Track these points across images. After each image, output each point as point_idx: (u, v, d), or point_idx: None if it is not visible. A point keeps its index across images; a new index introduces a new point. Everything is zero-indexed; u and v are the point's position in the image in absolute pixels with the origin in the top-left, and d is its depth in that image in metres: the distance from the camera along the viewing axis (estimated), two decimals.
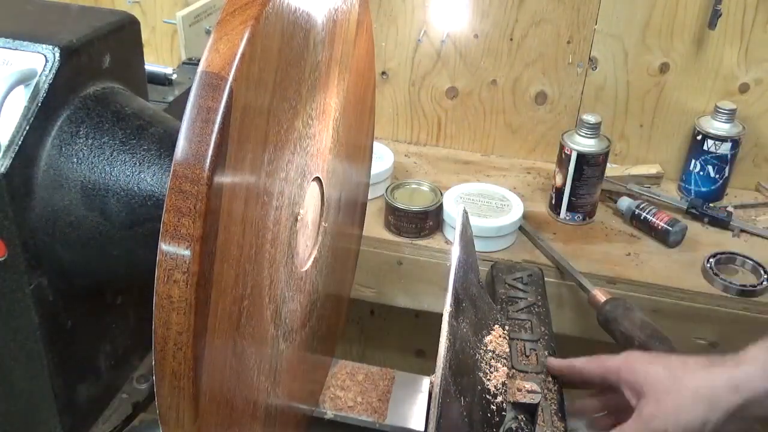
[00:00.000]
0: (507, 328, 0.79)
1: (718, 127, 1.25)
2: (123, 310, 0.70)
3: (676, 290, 1.08)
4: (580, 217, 1.22)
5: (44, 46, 0.56)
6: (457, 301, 0.66)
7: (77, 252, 0.58)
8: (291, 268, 0.61)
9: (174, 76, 0.88)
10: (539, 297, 0.94)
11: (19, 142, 0.53)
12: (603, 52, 1.30)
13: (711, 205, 1.26)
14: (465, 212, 0.79)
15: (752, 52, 1.25)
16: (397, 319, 1.49)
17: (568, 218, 1.23)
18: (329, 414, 0.84)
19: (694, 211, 1.24)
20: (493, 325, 0.77)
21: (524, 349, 0.83)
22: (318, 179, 0.65)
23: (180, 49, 1.16)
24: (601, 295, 0.99)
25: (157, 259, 0.43)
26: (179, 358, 0.44)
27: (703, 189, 1.29)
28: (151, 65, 0.78)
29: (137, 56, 0.68)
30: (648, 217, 1.20)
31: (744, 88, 1.28)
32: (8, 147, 0.53)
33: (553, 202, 1.24)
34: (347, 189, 0.77)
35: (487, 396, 0.65)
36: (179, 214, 0.43)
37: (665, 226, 1.17)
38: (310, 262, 0.67)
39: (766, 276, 1.09)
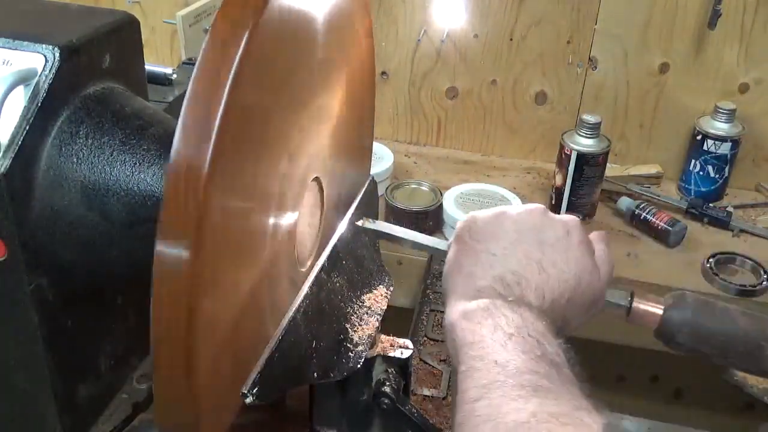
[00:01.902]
0: (391, 288, 0.80)
1: (718, 127, 1.25)
2: (123, 310, 0.70)
3: (675, 290, 1.08)
4: (580, 217, 1.22)
5: (44, 46, 0.56)
6: (334, 257, 0.68)
7: (77, 252, 0.58)
8: (290, 268, 0.61)
9: (174, 76, 0.88)
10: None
11: (19, 142, 0.53)
12: (603, 52, 1.30)
13: (711, 205, 1.26)
14: (372, 180, 0.80)
15: (752, 52, 1.25)
16: (397, 319, 1.49)
17: None
18: None
19: (694, 211, 1.24)
20: (378, 285, 0.78)
21: (441, 320, 0.85)
22: (318, 179, 0.65)
23: (180, 49, 1.16)
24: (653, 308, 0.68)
25: (154, 258, 0.43)
26: (177, 359, 0.44)
27: (703, 189, 1.29)
28: (151, 65, 0.78)
29: (137, 56, 0.68)
30: (648, 217, 1.20)
31: (744, 88, 1.28)
32: (8, 147, 0.53)
33: (553, 202, 1.24)
34: (347, 189, 0.77)
35: (348, 344, 0.67)
36: (176, 213, 0.43)
37: (665, 226, 1.17)
38: (309, 262, 0.67)
39: (765, 276, 1.09)
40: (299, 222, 0.61)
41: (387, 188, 1.16)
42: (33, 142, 0.55)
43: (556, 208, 1.23)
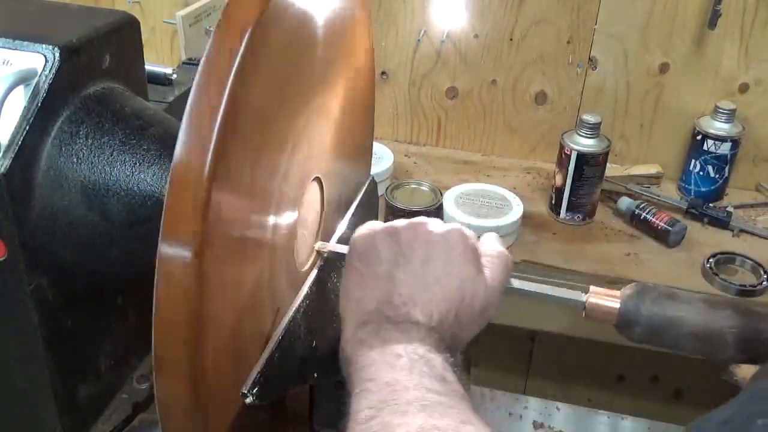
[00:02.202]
0: None
1: (718, 127, 1.25)
2: (123, 310, 0.70)
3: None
4: (580, 217, 1.22)
5: (44, 46, 0.56)
6: (334, 257, 0.67)
7: (77, 252, 0.58)
8: (291, 268, 0.61)
9: (174, 76, 0.88)
10: None
11: (19, 142, 0.53)
12: (603, 52, 1.30)
13: (711, 205, 1.26)
14: (372, 180, 0.79)
15: (752, 52, 1.25)
16: None
17: (568, 218, 1.23)
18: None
19: (693, 211, 1.24)
20: None
21: None
22: (318, 179, 0.65)
23: (180, 49, 1.16)
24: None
25: (157, 259, 0.43)
26: (178, 360, 0.44)
27: (703, 189, 1.29)
28: (151, 65, 0.78)
29: (137, 56, 0.68)
30: (648, 217, 1.20)
31: (744, 88, 1.28)
32: (8, 147, 0.53)
33: (553, 202, 1.24)
34: (347, 189, 0.77)
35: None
36: (179, 214, 0.43)
37: (665, 226, 1.17)
38: (309, 262, 0.67)
39: (765, 276, 1.09)
40: (299, 222, 0.61)
41: (387, 188, 1.16)
42: (33, 142, 0.55)
43: (556, 208, 1.23)
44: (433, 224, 0.57)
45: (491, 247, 0.60)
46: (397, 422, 0.43)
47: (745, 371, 0.83)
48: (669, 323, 0.58)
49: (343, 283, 0.57)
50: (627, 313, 0.58)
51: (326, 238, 0.70)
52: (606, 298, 0.59)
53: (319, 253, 0.61)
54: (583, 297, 0.59)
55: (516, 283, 0.62)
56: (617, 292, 0.59)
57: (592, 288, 0.60)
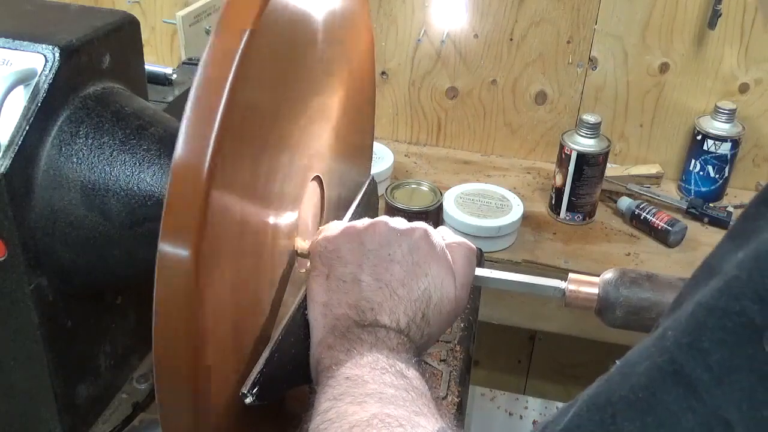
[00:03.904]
0: None
1: (718, 127, 1.25)
2: (123, 310, 0.70)
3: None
4: (580, 217, 1.22)
5: (44, 46, 0.56)
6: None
7: (77, 252, 0.58)
8: (291, 269, 0.61)
9: (174, 76, 0.88)
10: None
11: (19, 142, 0.53)
12: (603, 52, 1.30)
13: (711, 205, 1.26)
14: (372, 180, 0.77)
15: (752, 52, 1.25)
16: None
17: (568, 218, 1.23)
18: None
19: (694, 211, 1.24)
20: None
21: None
22: (318, 179, 0.65)
23: (180, 49, 1.16)
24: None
25: (156, 259, 0.43)
26: (179, 360, 0.44)
27: (703, 189, 1.29)
28: (151, 65, 0.78)
29: (137, 56, 0.68)
30: (648, 217, 1.20)
31: (744, 88, 1.28)
32: (8, 147, 0.53)
33: (553, 202, 1.24)
34: (347, 189, 0.77)
35: None
36: (178, 214, 0.43)
37: (665, 226, 1.17)
38: (309, 262, 0.67)
39: None
40: (299, 221, 0.61)
41: (387, 188, 1.16)
42: (33, 142, 0.55)
43: (556, 208, 1.23)
44: (395, 222, 0.57)
45: (452, 240, 0.58)
46: (352, 410, 0.44)
47: None
48: (649, 305, 0.56)
49: (308, 285, 0.56)
50: (606, 297, 0.57)
51: None
52: (585, 285, 0.58)
53: (299, 253, 0.61)
54: (563, 285, 0.59)
55: (489, 273, 0.61)
56: (596, 278, 0.59)
57: (570, 275, 0.59)
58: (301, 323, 0.56)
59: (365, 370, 0.48)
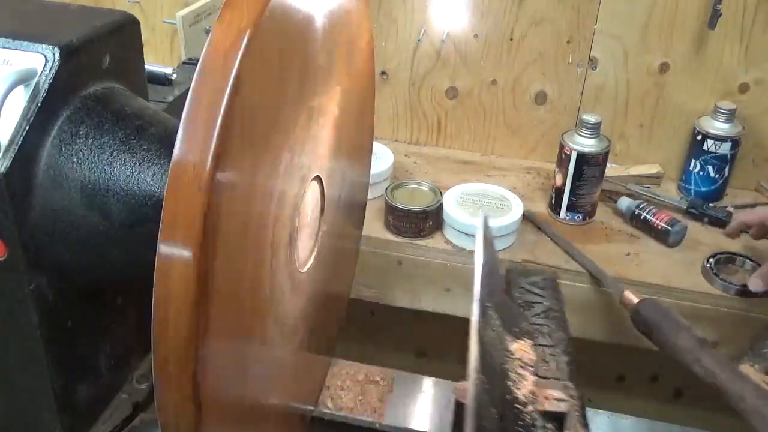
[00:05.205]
0: (533, 335, 0.78)
1: (718, 127, 1.25)
2: (123, 310, 0.70)
3: (676, 290, 1.08)
4: (580, 217, 1.22)
5: (44, 46, 0.56)
6: (483, 310, 0.64)
7: (77, 252, 0.58)
8: (291, 269, 0.61)
9: (174, 76, 0.88)
10: (555, 301, 0.92)
11: (19, 142, 0.53)
12: (603, 52, 1.30)
13: (711, 204, 1.26)
14: (485, 217, 0.77)
15: (752, 52, 1.25)
16: (397, 319, 1.49)
17: (568, 218, 1.23)
18: (329, 414, 0.84)
19: (694, 211, 1.24)
20: (519, 332, 0.76)
21: (543, 354, 0.81)
22: (318, 179, 0.65)
23: (180, 49, 1.16)
24: (633, 297, 0.96)
25: (156, 259, 0.43)
26: (178, 360, 0.44)
27: (703, 189, 1.29)
28: (151, 65, 0.78)
29: (137, 56, 0.68)
30: (648, 217, 1.20)
31: (744, 88, 1.28)
32: (8, 147, 0.53)
33: (553, 202, 1.24)
34: (347, 189, 0.77)
35: (518, 405, 0.65)
36: (178, 214, 0.43)
37: (665, 226, 1.17)
38: (310, 263, 0.67)
39: None
40: (300, 222, 0.61)
41: (387, 188, 1.16)
42: (33, 142, 0.55)
43: (556, 208, 1.23)
44: None
45: None
46: None
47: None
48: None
49: None
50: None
51: (327, 238, 0.70)
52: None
53: None
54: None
55: None
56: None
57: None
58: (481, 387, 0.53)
59: None
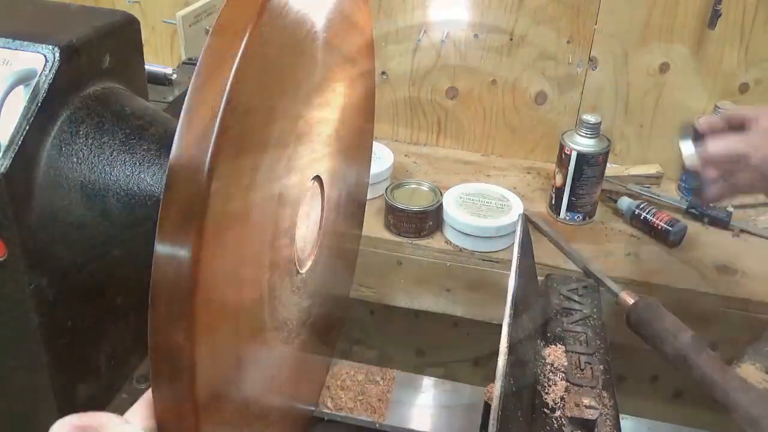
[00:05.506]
0: (566, 341, 0.78)
1: None
2: (123, 310, 0.70)
3: (676, 290, 1.08)
4: (580, 217, 1.22)
5: (44, 46, 0.56)
6: (516, 312, 0.64)
7: (77, 252, 0.58)
8: (291, 269, 0.61)
9: (174, 76, 0.88)
10: (594, 309, 0.92)
11: (19, 142, 0.53)
12: (603, 52, 1.30)
13: (711, 205, 1.26)
14: (524, 217, 0.77)
15: (752, 52, 1.25)
16: (397, 319, 1.49)
17: (568, 218, 1.23)
18: (329, 414, 0.84)
19: (694, 211, 1.24)
20: (552, 337, 0.76)
21: (579, 362, 0.80)
22: (318, 178, 0.65)
23: (180, 49, 1.16)
24: (628, 298, 0.94)
25: (153, 260, 0.43)
26: (176, 361, 0.44)
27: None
28: (151, 65, 0.78)
29: (137, 56, 0.68)
30: (648, 217, 1.20)
31: (744, 88, 1.28)
32: (8, 147, 0.53)
33: (553, 202, 1.24)
34: (347, 189, 0.77)
35: (546, 410, 0.65)
36: (176, 214, 0.43)
37: (665, 226, 1.17)
38: (310, 263, 0.67)
39: None
40: (299, 222, 0.61)
41: (387, 188, 1.16)
42: (33, 142, 0.55)
43: (556, 208, 1.23)
44: None
45: None
46: None
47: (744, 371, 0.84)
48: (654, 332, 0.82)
49: None
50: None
51: (327, 238, 0.70)
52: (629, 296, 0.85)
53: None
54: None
55: None
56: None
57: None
58: (507, 392, 0.53)
59: None
